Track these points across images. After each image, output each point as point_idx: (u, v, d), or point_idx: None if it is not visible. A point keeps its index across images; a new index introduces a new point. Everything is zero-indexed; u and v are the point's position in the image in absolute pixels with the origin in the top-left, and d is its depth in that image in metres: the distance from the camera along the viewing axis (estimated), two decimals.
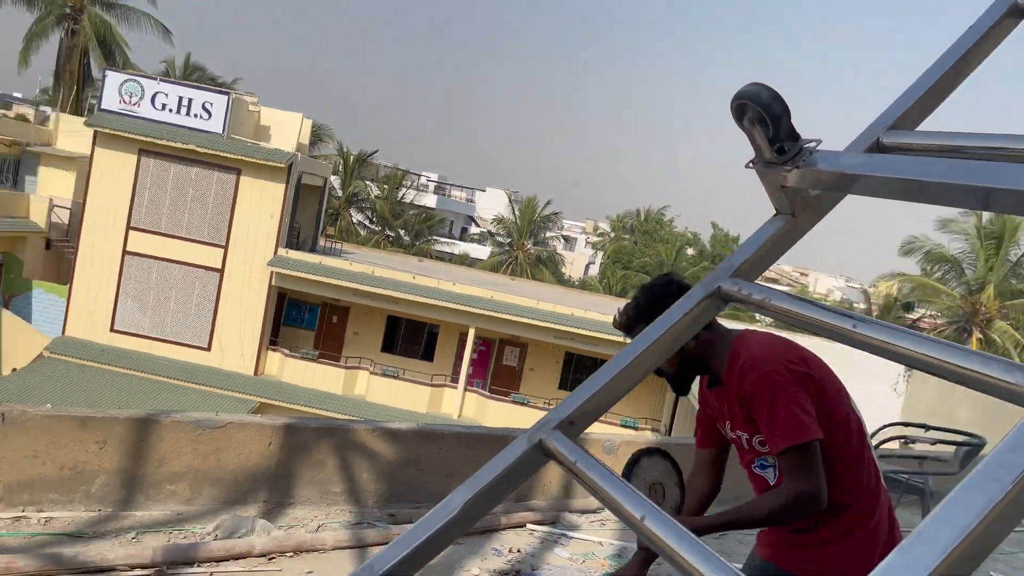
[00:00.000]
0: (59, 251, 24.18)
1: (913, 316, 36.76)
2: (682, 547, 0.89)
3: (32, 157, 25.43)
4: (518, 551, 4.07)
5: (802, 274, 72.00)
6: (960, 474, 5.08)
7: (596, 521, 4.69)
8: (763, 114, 1.19)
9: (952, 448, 4.88)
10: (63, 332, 21.19)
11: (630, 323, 1.95)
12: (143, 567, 3.24)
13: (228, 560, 3.41)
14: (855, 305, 43.29)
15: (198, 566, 3.33)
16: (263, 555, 3.50)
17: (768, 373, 1.82)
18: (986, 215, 30.83)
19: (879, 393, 15.10)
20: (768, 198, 1.34)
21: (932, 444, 4.88)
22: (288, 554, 3.56)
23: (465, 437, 4.48)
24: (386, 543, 3.88)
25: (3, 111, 32.33)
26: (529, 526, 4.40)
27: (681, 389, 2.03)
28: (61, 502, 3.67)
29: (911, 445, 5.34)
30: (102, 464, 3.71)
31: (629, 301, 2.01)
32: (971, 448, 4.78)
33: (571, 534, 4.41)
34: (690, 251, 42.17)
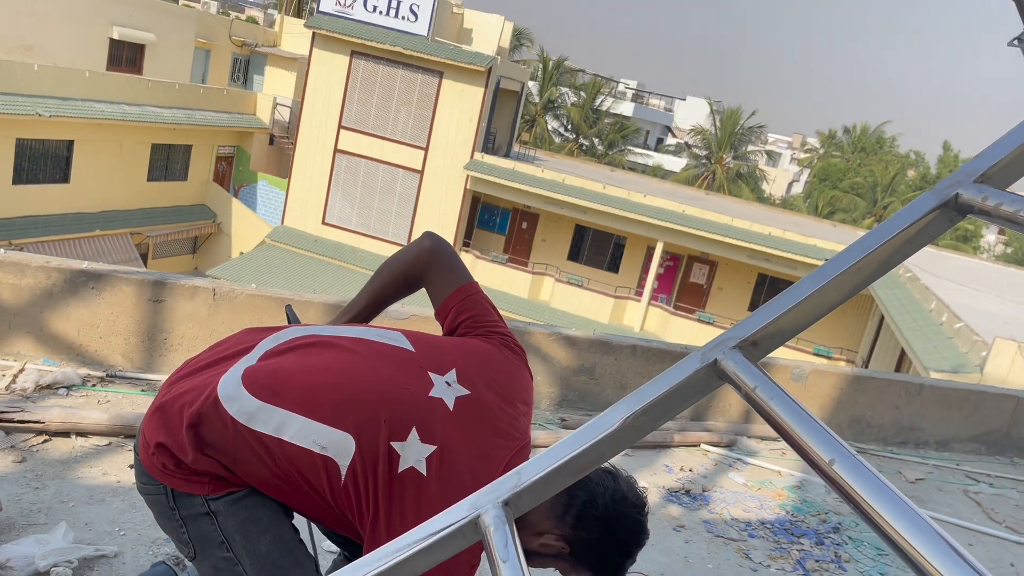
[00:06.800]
0: (280, 147, 26.21)
1: None
2: (880, 501, 0.74)
3: (260, 57, 27.47)
4: (690, 470, 3.97)
5: None
6: None
7: (776, 450, 4.47)
8: None
9: None
10: (282, 222, 23.17)
11: None
12: None
13: None
14: None
15: None
16: None
17: None
18: None
19: None
20: None
21: None
22: None
23: (641, 350, 4.37)
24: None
25: (236, 14, 34.96)
26: (703, 446, 4.27)
27: None
28: None
29: None
30: None
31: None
32: None
33: (748, 459, 4.24)
34: (911, 173, 38.28)
